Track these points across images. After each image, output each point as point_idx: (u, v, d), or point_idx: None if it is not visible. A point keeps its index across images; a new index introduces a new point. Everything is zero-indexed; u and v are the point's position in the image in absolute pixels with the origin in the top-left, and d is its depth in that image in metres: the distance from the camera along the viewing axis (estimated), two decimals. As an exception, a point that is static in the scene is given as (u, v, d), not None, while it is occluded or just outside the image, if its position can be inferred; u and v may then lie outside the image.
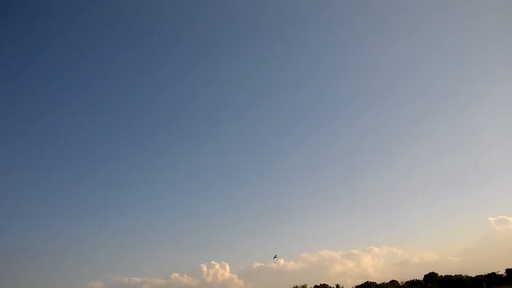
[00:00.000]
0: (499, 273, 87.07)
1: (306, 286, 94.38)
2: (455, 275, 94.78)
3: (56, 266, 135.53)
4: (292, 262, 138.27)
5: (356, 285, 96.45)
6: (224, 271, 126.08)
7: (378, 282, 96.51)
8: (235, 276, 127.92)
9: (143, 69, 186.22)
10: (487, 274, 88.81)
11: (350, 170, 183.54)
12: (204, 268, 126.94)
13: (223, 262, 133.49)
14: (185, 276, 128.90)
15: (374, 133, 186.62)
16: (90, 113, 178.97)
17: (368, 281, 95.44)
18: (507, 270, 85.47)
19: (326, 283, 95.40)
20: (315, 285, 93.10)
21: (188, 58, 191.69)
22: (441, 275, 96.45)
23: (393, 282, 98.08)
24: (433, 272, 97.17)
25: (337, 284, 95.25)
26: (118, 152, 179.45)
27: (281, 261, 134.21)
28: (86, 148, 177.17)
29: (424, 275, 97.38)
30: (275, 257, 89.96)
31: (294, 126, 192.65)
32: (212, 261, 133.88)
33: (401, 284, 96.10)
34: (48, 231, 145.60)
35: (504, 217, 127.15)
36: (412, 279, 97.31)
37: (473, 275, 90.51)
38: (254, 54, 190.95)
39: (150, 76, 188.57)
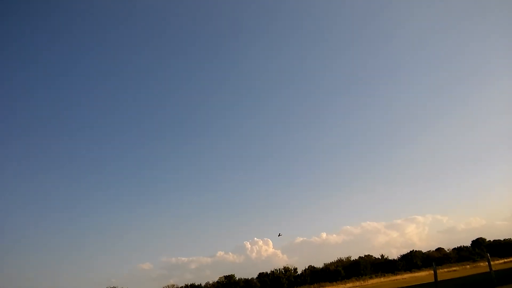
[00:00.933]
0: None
1: (350, 257, 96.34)
2: (504, 239, 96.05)
3: (111, 250, 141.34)
4: (334, 235, 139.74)
5: (401, 254, 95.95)
6: (268, 247, 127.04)
7: (424, 251, 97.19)
8: (278, 251, 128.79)
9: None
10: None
11: (390, 139, 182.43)
12: (248, 245, 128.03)
13: (266, 239, 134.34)
14: (230, 253, 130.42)
15: (414, 101, 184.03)
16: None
17: (413, 250, 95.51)
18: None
19: (371, 254, 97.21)
20: (359, 257, 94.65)
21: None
22: (490, 240, 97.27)
23: (439, 249, 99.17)
24: (481, 238, 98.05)
25: (382, 255, 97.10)
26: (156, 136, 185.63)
27: (324, 235, 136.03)
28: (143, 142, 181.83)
29: (472, 241, 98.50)
30: (279, 235, 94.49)
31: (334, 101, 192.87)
32: (255, 238, 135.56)
33: (448, 251, 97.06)
34: (103, 221, 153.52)
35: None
36: (459, 245, 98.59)
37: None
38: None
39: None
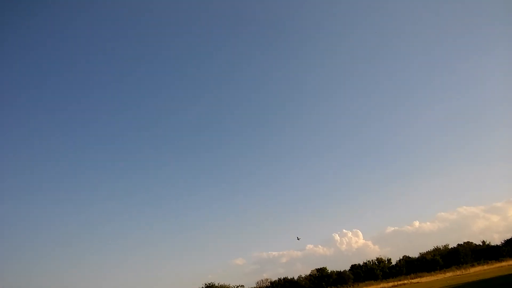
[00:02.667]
0: None
1: (448, 245, 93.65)
2: None
3: (208, 247, 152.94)
4: (428, 223, 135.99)
5: (505, 239, 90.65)
6: (358, 238, 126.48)
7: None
8: (369, 242, 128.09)
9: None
10: None
11: (484, 120, 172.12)
12: (337, 237, 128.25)
13: (355, 230, 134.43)
14: (319, 246, 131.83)
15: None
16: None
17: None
18: None
19: (470, 241, 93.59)
20: (458, 244, 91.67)
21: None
22: None
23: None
24: None
25: (483, 241, 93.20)
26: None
27: (416, 223, 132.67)
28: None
29: None
30: (298, 238, 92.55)
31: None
32: (344, 230, 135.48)
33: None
34: (196, 221, 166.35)
35: None
36: None
37: None
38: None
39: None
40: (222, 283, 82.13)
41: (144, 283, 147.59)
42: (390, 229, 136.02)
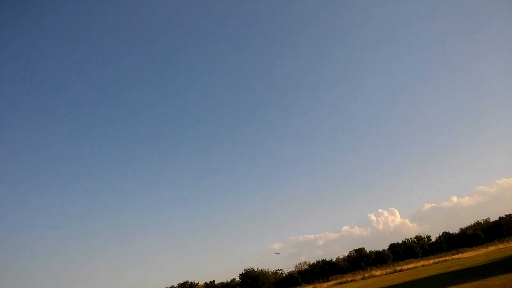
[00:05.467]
0: None
1: (489, 219, 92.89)
2: None
3: (244, 236, 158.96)
4: (467, 197, 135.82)
5: None
6: (395, 217, 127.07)
7: None
8: (407, 221, 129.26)
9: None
10: None
11: None
12: (373, 217, 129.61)
13: (391, 209, 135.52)
14: (356, 227, 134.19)
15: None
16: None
17: None
18: None
19: None
20: (500, 217, 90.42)
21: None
22: None
23: None
24: None
25: None
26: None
27: (454, 198, 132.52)
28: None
29: None
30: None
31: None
32: (379, 209, 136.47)
33: None
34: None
35: None
36: None
37: None
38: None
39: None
40: (261, 268, 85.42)
41: (184, 269, 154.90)
42: (427, 206, 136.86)
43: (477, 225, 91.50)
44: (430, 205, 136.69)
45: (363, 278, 64.50)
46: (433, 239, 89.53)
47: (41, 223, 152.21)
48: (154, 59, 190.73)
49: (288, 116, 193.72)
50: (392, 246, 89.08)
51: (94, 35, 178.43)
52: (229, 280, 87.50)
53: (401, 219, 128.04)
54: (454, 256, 68.23)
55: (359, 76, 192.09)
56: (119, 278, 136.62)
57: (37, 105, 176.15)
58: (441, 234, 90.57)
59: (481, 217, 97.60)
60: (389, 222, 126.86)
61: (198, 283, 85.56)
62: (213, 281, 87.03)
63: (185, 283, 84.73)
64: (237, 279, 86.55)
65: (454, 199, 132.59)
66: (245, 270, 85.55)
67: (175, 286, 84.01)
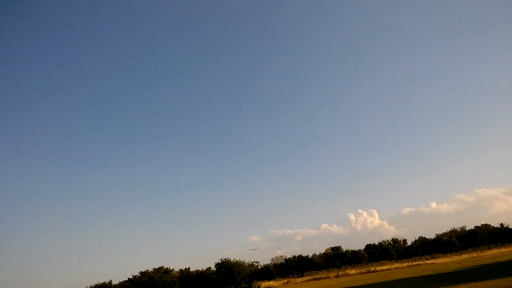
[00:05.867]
0: None
1: (465, 227, 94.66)
2: None
3: (223, 226, 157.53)
4: (445, 204, 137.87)
5: None
6: (373, 219, 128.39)
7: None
8: (385, 223, 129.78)
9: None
10: None
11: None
12: (352, 216, 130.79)
13: (370, 210, 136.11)
14: (334, 225, 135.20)
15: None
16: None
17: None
18: None
19: (488, 223, 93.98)
20: (476, 226, 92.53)
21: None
22: None
23: None
24: None
25: (501, 223, 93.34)
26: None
27: (433, 204, 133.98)
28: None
29: None
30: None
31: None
32: (359, 210, 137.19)
33: None
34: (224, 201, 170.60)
35: None
36: None
37: None
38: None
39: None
40: (237, 259, 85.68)
41: (157, 257, 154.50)
42: (406, 210, 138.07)
43: (453, 232, 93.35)
44: (409, 209, 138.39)
45: (337, 276, 65.46)
46: (409, 242, 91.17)
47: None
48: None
49: (276, 111, 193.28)
50: (369, 247, 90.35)
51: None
52: (204, 269, 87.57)
53: (379, 220, 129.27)
54: (427, 261, 69.60)
55: (351, 75, 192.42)
56: (96, 260, 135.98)
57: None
58: (417, 238, 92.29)
59: (457, 225, 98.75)
60: (368, 223, 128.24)
61: (173, 269, 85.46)
62: (189, 268, 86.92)
63: (160, 268, 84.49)
64: (213, 268, 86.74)
65: (433, 205, 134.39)
66: (221, 260, 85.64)
67: (150, 270, 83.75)
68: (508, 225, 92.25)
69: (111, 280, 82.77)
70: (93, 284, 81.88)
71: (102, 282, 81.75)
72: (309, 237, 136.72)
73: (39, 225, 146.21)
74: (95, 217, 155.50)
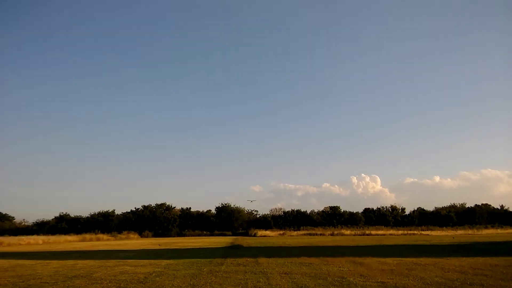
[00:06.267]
0: None
1: (465, 204, 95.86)
2: None
3: (227, 172, 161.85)
4: (449, 179, 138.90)
5: None
6: (375, 184, 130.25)
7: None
8: (386, 189, 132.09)
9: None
10: None
11: None
12: (354, 179, 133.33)
13: (373, 175, 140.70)
14: (336, 186, 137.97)
15: None
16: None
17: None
18: None
19: (489, 203, 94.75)
20: (476, 204, 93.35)
21: None
22: None
23: None
24: None
25: (502, 205, 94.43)
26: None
27: (437, 178, 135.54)
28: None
29: None
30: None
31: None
32: (362, 174, 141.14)
33: None
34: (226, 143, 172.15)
35: None
36: None
37: None
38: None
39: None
40: (238, 206, 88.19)
41: (159, 194, 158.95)
42: (409, 180, 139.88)
43: (452, 207, 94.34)
44: (412, 179, 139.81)
45: (332, 234, 67.29)
46: (407, 212, 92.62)
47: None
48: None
49: (295, 56, 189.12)
50: (367, 211, 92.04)
51: None
52: (205, 211, 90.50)
53: (381, 187, 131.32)
54: (423, 232, 70.96)
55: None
56: (100, 189, 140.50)
57: None
58: (415, 208, 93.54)
59: (458, 201, 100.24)
60: (369, 187, 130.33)
61: (175, 207, 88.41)
62: (189, 208, 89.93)
63: (162, 204, 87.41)
64: (213, 211, 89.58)
65: (437, 178, 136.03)
66: (221, 204, 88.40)
67: (152, 205, 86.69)
68: (508, 207, 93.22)
69: (114, 210, 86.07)
70: (96, 211, 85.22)
71: (105, 210, 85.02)
72: (309, 193, 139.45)
73: (49, 145, 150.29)
74: (105, 145, 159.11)
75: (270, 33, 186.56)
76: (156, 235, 78.50)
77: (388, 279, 12.20)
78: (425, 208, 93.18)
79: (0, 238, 53.74)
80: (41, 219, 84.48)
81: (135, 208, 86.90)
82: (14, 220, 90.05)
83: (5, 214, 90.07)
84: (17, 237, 57.20)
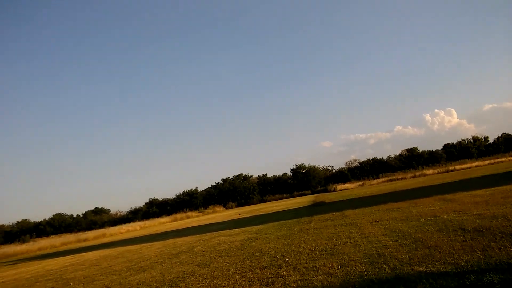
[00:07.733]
0: None
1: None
2: None
3: (294, 132, 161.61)
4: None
5: None
6: (451, 118, 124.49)
7: None
8: (464, 121, 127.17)
9: None
10: None
11: None
12: (428, 117, 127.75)
13: (448, 109, 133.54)
14: (409, 127, 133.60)
15: None
16: None
17: None
18: None
19: None
20: None
21: None
22: None
23: None
24: None
25: None
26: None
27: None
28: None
29: None
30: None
31: None
32: (435, 110, 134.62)
33: None
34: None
35: None
36: None
37: None
38: None
39: None
40: (312, 164, 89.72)
41: (235, 166, 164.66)
42: (487, 106, 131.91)
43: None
44: (491, 105, 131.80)
45: (414, 177, 66.35)
46: (491, 140, 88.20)
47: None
48: None
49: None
50: (446, 147, 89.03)
51: None
52: (280, 174, 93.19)
53: (458, 119, 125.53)
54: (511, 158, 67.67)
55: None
56: (183, 172, 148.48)
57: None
58: (500, 135, 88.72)
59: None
60: (445, 122, 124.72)
61: (252, 176, 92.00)
62: (266, 174, 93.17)
63: (239, 175, 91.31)
64: (289, 173, 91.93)
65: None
66: (296, 165, 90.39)
67: (231, 177, 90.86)
68: None
69: (197, 187, 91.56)
70: (181, 191, 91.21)
71: (189, 189, 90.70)
72: (382, 140, 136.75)
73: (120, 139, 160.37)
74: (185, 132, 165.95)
75: None
76: (240, 204, 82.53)
77: (484, 210, 12.04)
78: (510, 133, 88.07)
79: (103, 230, 59.51)
80: (134, 207, 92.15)
81: (215, 182, 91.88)
82: (111, 212, 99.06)
83: (102, 207, 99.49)
84: (116, 227, 62.19)
